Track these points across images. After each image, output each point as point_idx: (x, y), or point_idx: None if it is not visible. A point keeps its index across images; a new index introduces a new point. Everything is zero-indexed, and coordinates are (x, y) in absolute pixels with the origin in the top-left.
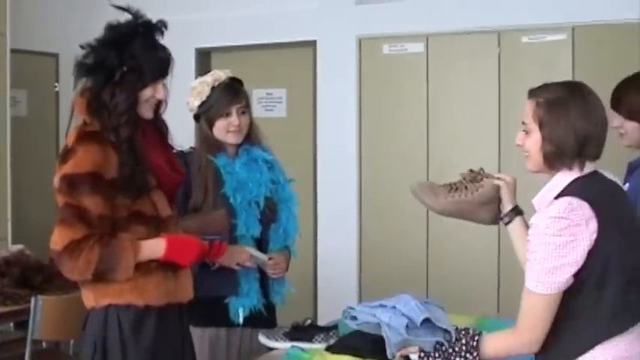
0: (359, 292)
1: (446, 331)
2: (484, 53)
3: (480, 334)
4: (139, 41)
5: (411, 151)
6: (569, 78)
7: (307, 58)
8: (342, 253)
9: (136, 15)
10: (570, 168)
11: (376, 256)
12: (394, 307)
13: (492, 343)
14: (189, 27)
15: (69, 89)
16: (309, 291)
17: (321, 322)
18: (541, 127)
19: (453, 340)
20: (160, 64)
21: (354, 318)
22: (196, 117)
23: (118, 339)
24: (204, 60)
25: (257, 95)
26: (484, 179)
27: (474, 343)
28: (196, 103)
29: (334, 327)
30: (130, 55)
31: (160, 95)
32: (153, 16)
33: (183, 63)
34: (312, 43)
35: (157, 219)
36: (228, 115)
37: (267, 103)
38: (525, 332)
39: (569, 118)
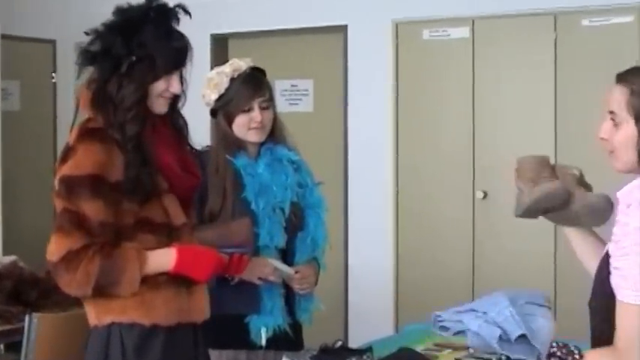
0: (395, 310)
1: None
2: (538, 38)
3: (582, 356)
4: (151, 28)
5: (455, 149)
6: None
7: (337, 45)
8: (377, 266)
9: None
10: None
11: (415, 269)
12: (485, 314)
13: None
14: (204, 10)
15: (67, 80)
16: (339, 308)
17: (353, 343)
18: (638, 119)
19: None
20: (175, 54)
21: (446, 328)
22: (213, 112)
23: None
24: (220, 47)
25: (280, 87)
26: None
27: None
28: (213, 96)
29: (368, 349)
30: (138, 43)
31: (174, 88)
32: None
33: (197, 51)
34: (343, 29)
35: (169, 227)
36: (249, 109)
37: (292, 96)
38: (630, 352)
39: None
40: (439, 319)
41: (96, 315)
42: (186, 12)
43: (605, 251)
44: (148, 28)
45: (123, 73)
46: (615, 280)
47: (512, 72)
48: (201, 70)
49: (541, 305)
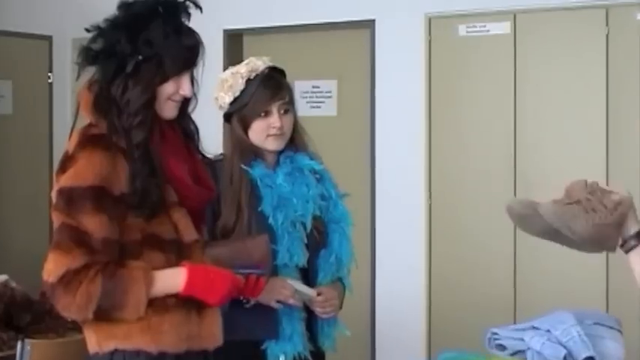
0: (428, 336)
1: None
2: (588, 34)
3: None
4: (159, 24)
5: (495, 157)
6: None
7: (364, 42)
8: (407, 287)
9: None
10: None
11: (449, 290)
12: (549, 332)
13: None
14: (217, 4)
15: (65, 81)
16: (366, 334)
17: None
18: None
19: None
20: (185, 53)
21: (503, 347)
22: (227, 116)
23: None
24: (235, 45)
25: (300, 89)
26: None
27: None
28: (227, 99)
29: None
30: (145, 41)
31: (184, 91)
32: None
33: (209, 49)
34: (370, 24)
35: (178, 244)
36: (267, 114)
37: (314, 99)
38: None
39: None
40: (496, 336)
41: (97, 341)
42: (197, 6)
43: None
44: (156, 24)
45: (128, 73)
46: None
47: (558, 71)
48: (214, 70)
49: (611, 327)
